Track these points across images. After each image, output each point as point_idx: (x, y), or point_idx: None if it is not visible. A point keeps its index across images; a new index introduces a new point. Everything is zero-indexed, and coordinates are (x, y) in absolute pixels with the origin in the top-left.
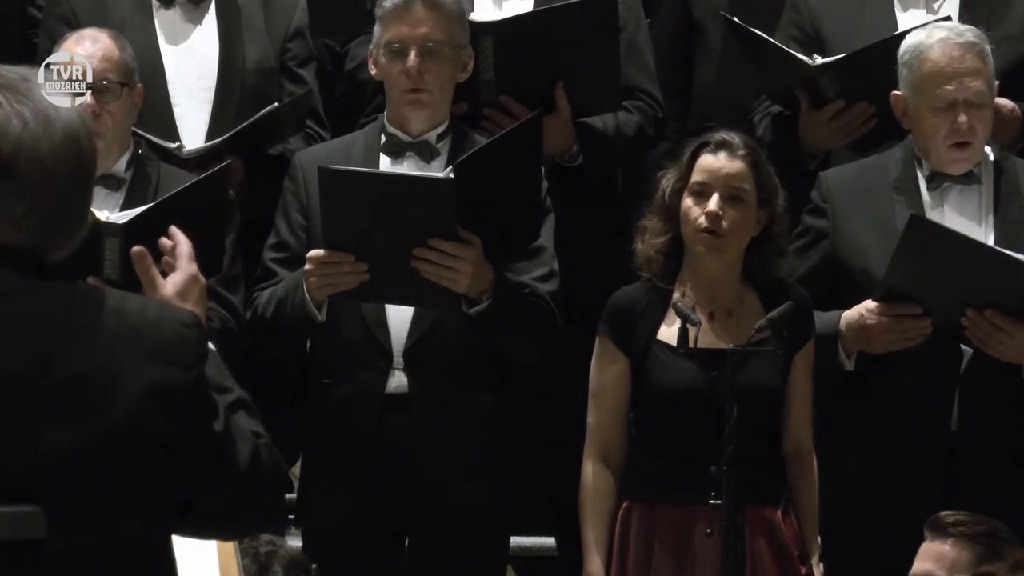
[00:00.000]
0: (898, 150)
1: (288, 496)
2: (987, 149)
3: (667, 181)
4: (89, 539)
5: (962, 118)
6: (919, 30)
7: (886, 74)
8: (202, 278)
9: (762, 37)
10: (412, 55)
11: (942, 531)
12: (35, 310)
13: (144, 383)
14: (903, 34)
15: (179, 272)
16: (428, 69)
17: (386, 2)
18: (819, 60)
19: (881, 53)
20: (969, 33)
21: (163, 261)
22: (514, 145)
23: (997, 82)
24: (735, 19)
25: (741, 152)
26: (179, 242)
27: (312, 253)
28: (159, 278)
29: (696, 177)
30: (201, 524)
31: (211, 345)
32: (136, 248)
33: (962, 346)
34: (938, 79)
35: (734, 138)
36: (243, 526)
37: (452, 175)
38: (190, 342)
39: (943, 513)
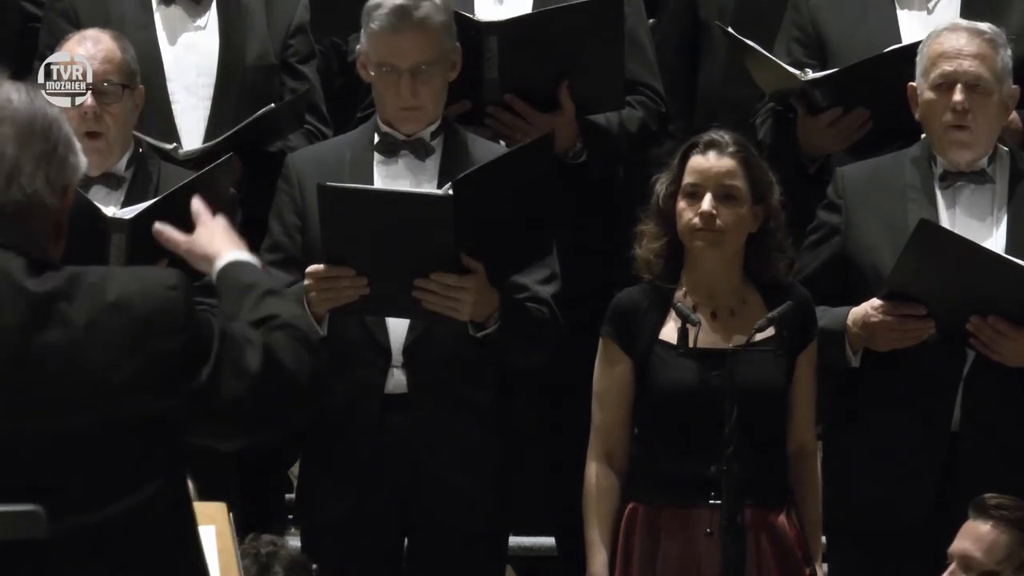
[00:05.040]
0: (915, 148)
1: (288, 496)
2: (1004, 149)
3: (660, 185)
4: (92, 520)
5: (958, 96)
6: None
7: (879, 83)
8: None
9: (754, 48)
10: (404, 79)
11: (984, 512)
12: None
13: (136, 358)
14: (894, 49)
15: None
16: (421, 87)
17: (373, 22)
18: (810, 75)
19: (871, 68)
20: (985, 26)
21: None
22: (519, 165)
23: (1016, 87)
24: (728, 28)
25: (731, 150)
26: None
27: (312, 268)
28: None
29: (688, 178)
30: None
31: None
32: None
33: (966, 348)
34: (939, 58)
35: (723, 136)
36: (286, 415)
37: (451, 192)
38: (177, 304)
39: (988, 495)
